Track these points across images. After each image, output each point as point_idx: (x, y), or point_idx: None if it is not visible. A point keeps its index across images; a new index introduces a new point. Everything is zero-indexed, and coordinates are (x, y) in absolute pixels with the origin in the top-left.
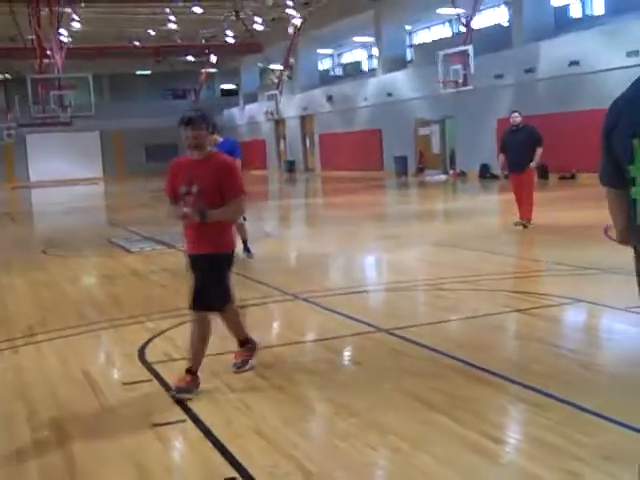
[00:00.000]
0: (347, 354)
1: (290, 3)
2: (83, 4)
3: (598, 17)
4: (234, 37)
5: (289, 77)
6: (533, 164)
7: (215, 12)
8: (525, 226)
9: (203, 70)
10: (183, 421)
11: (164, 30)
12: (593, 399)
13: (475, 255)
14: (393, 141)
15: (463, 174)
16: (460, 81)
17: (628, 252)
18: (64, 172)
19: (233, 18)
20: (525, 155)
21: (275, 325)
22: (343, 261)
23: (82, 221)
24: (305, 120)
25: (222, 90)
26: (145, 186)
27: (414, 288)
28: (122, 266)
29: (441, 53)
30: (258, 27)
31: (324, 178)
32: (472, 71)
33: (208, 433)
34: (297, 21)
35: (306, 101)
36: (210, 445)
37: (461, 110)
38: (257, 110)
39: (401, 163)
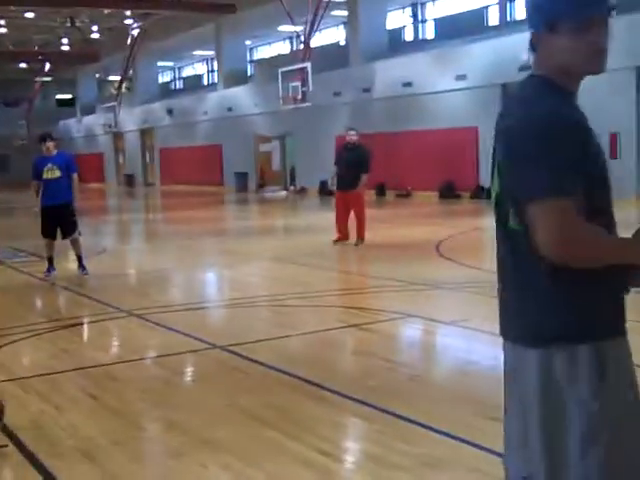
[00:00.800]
0: (181, 371)
1: (128, 13)
2: None
3: (430, 41)
4: (70, 45)
5: (128, 89)
6: (358, 189)
7: (50, 18)
8: (356, 244)
9: (37, 78)
10: (5, 446)
11: None
12: (419, 410)
13: (311, 271)
14: (234, 156)
15: (303, 190)
16: (299, 98)
17: (456, 269)
18: None
19: (68, 25)
20: (354, 174)
21: (108, 343)
22: (181, 277)
23: None
24: (145, 133)
25: (58, 100)
26: None
27: (251, 304)
28: None
29: (281, 70)
30: (95, 36)
31: (164, 192)
32: (310, 88)
33: (32, 458)
34: (135, 31)
35: (146, 114)
36: (34, 471)
37: (301, 127)
38: (95, 122)
39: (241, 179)
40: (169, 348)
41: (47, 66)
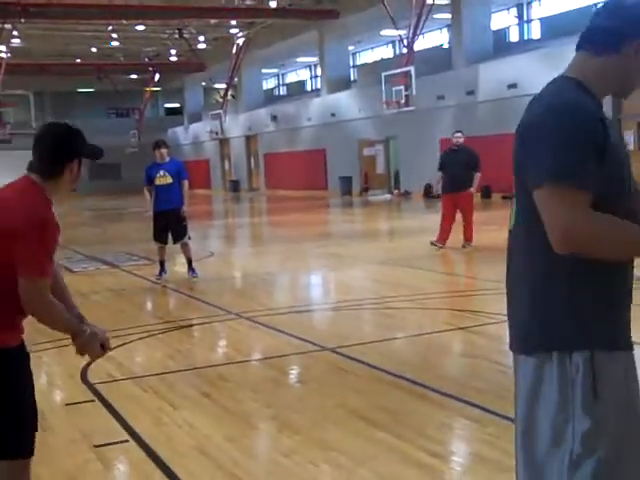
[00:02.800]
0: (291, 372)
1: (233, 22)
2: (23, 20)
3: (536, 41)
4: (177, 56)
5: (233, 96)
6: (472, 189)
7: (158, 30)
8: (464, 246)
9: (147, 89)
10: (126, 441)
11: (106, 47)
12: None
13: (418, 274)
14: (337, 161)
15: (407, 194)
16: (402, 102)
17: None
18: None
19: (177, 36)
20: (463, 176)
21: (219, 344)
22: (287, 280)
23: None
24: (250, 140)
25: (166, 109)
26: (88, 205)
27: (358, 306)
28: None
29: (384, 74)
30: (201, 46)
31: (269, 197)
32: (414, 92)
33: (151, 453)
34: (240, 40)
35: (250, 121)
36: (153, 465)
37: (404, 130)
38: (201, 129)
39: (346, 183)
40: (278, 350)
41: (156, 76)
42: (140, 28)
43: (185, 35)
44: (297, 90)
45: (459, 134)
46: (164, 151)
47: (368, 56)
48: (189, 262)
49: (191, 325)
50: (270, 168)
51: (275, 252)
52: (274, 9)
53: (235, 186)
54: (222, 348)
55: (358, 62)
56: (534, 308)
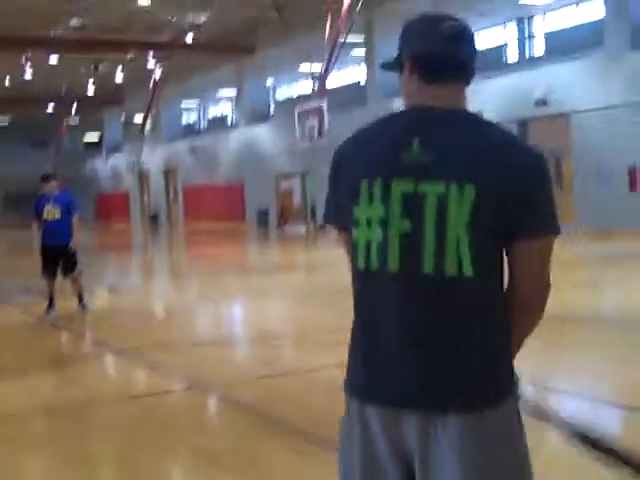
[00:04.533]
0: (150, 412)
1: (150, 56)
2: None
3: None
4: (96, 88)
5: (152, 129)
6: None
7: (76, 63)
8: None
9: (65, 121)
10: None
11: (21, 79)
12: None
13: (314, 309)
14: (255, 193)
15: (323, 227)
16: (316, 136)
17: None
18: None
19: (94, 69)
20: None
21: (83, 381)
22: (187, 314)
23: None
24: (169, 172)
25: (85, 143)
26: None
27: (250, 342)
28: None
29: (297, 109)
30: (119, 79)
31: (187, 230)
32: (326, 127)
33: None
34: (157, 74)
35: (169, 153)
36: None
37: (321, 164)
38: (120, 162)
39: (263, 215)
40: (147, 388)
41: (74, 109)
42: (53, 62)
43: (102, 68)
44: (218, 124)
45: None
46: (54, 184)
47: (287, 90)
48: (79, 296)
49: (59, 362)
50: (189, 200)
51: (184, 285)
52: (189, 44)
53: (154, 219)
54: (85, 386)
55: (277, 96)
56: (479, 360)
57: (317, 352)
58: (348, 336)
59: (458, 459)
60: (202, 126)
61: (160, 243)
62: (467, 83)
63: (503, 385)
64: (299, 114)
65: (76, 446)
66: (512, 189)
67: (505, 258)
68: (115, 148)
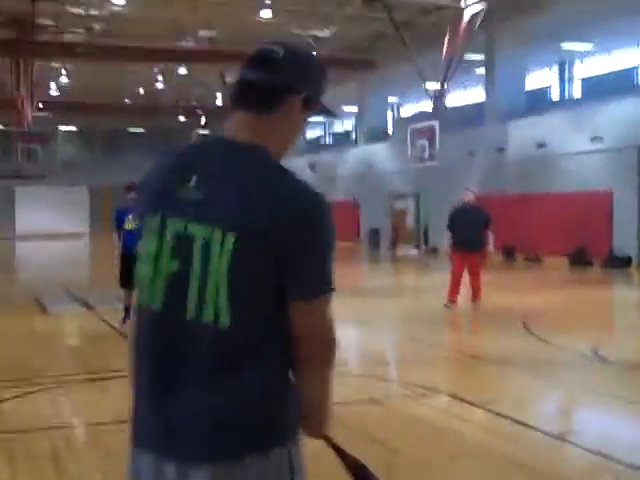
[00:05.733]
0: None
1: None
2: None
3: (570, 101)
4: (223, 99)
5: None
6: (484, 248)
7: (203, 74)
8: (474, 305)
9: (194, 130)
10: None
11: (154, 89)
12: None
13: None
14: (369, 213)
15: (435, 250)
16: (427, 156)
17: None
18: (50, 226)
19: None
20: (477, 234)
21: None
22: None
23: (29, 277)
24: None
25: None
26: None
27: None
28: (23, 326)
29: (409, 127)
30: None
31: None
32: (437, 147)
33: None
34: None
35: (291, 167)
36: None
37: (434, 185)
38: None
39: (374, 235)
40: None
41: (203, 119)
42: (182, 72)
43: (227, 80)
44: (341, 140)
45: (468, 192)
46: (132, 195)
47: (407, 109)
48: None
49: (109, 378)
50: None
51: None
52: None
53: None
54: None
55: (397, 114)
56: (231, 411)
57: (356, 384)
58: (398, 372)
59: None
60: (326, 142)
61: None
62: (265, 111)
63: (266, 436)
64: (412, 133)
65: None
66: (278, 240)
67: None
68: None
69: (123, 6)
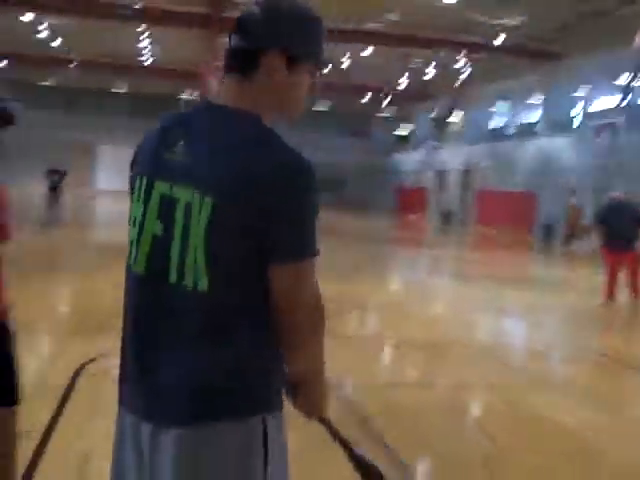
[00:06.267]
0: None
1: (461, 54)
2: None
3: None
4: (407, 82)
5: (456, 128)
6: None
7: (390, 56)
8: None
9: (377, 114)
10: None
11: (339, 68)
12: None
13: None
14: (545, 206)
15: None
16: (609, 152)
17: None
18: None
19: (408, 65)
20: (630, 232)
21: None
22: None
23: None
24: (467, 173)
25: (396, 135)
26: None
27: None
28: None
29: (595, 122)
30: (429, 75)
31: (476, 232)
32: (621, 143)
33: None
34: (465, 74)
35: (470, 154)
36: None
37: (612, 183)
38: (423, 158)
39: (548, 229)
40: None
41: (387, 101)
42: (366, 53)
43: (415, 63)
44: (523, 131)
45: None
46: None
47: (595, 104)
48: None
49: None
50: (482, 204)
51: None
52: (498, 47)
53: (447, 217)
54: None
55: (583, 109)
56: (205, 377)
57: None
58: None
59: (171, 473)
60: (508, 132)
61: (447, 241)
62: (246, 75)
63: (240, 404)
64: (596, 128)
65: None
66: (255, 202)
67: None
68: (421, 143)
69: None
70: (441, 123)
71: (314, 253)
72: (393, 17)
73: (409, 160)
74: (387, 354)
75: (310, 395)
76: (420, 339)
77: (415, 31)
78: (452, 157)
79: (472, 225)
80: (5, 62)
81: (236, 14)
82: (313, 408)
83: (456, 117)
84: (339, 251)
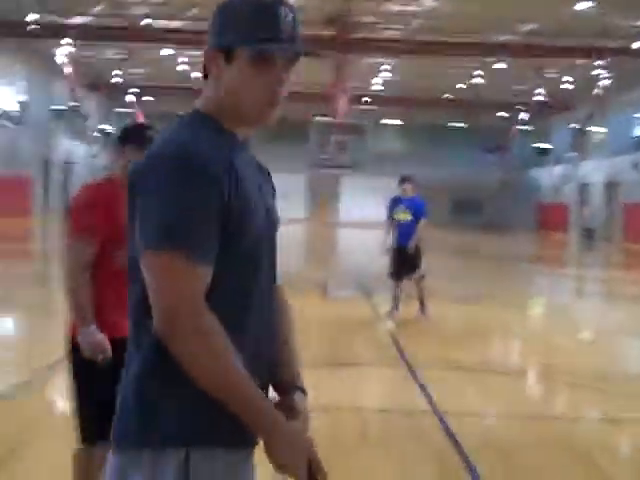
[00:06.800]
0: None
1: (599, 63)
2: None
3: None
4: (544, 94)
5: (597, 140)
6: None
7: (521, 68)
8: None
9: (513, 127)
10: None
11: (472, 84)
12: None
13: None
14: None
15: None
16: None
17: None
18: (369, 215)
19: (541, 76)
20: None
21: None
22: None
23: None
24: (610, 187)
25: (535, 148)
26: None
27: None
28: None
29: None
30: (566, 86)
31: (624, 250)
32: None
33: None
34: (603, 82)
35: (613, 166)
36: None
37: None
38: (563, 172)
39: None
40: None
41: (523, 115)
42: (500, 66)
43: (547, 75)
44: None
45: None
46: (409, 186)
47: None
48: (420, 301)
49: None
50: (630, 218)
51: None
52: (637, 51)
53: (589, 233)
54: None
55: None
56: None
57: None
58: None
59: None
60: None
61: (592, 259)
62: (205, 79)
63: (153, 432)
64: None
65: None
66: (132, 193)
67: None
68: (561, 158)
69: (439, 1)
70: (581, 134)
71: (166, 245)
72: (527, 27)
73: (549, 175)
74: (535, 386)
75: (265, 443)
76: (570, 368)
77: (550, 40)
78: (594, 170)
79: (618, 242)
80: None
81: (363, 34)
82: (271, 458)
83: (597, 127)
84: (477, 271)
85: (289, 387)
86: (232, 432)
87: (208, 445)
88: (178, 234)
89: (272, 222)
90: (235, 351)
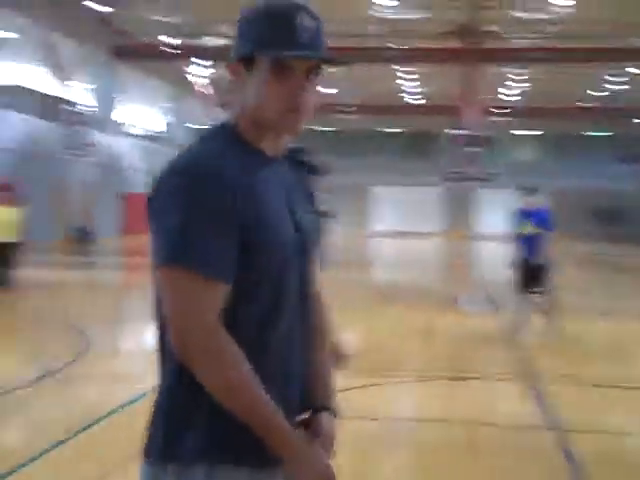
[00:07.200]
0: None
1: None
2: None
3: None
4: None
5: None
6: None
7: None
8: None
9: None
10: None
11: (605, 89)
12: None
13: None
14: None
15: None
16: None
17: None
18: (504, 227)
19: None
20: None
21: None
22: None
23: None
24: None
25: None
26: (583, 249)
27: None
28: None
29: None
30: None
31: None
32: None
33: None
34: None
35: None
36: None
37: None
38: None
39: None
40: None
41: None
42: (632, 70)
43: None
44: None
45: None
46: (534, 199)
47: None
48: (547, 315)
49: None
50: None
51: None
52: None
53: None
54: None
55: None
56: (155, 412)
57: None
58: None
59: None
60: None
61: None
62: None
63: (177, 446)
64: None
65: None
66: (149, 206)
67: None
68: None
69: (572, 7)
70: None
71: (174, 262)
72: None
73: None
74: None
75: (286, 462)
76: None
77: None
78: None
79: None
80: None
81: (491, 45)
82: (289, 468)
83: None
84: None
85: (318, 407)
86: (257, 451)
87: (233, 463)
88: (184, 251)
89: (304, 235)
90: (251, 371)
